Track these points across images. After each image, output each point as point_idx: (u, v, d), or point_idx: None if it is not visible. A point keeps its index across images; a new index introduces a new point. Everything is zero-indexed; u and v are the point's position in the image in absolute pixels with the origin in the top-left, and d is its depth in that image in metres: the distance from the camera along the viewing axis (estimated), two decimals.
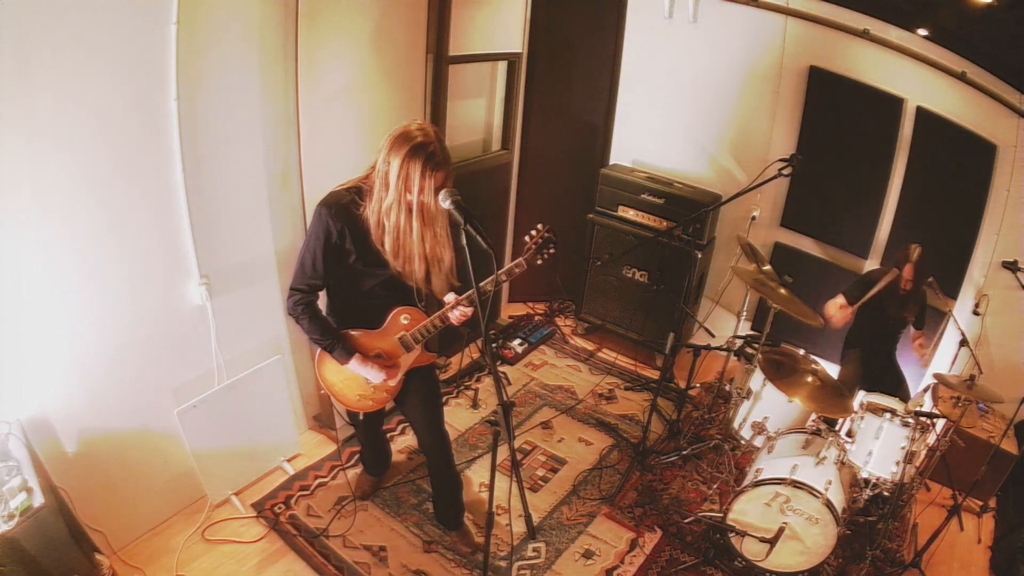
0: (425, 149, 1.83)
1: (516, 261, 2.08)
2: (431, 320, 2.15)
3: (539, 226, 2.09)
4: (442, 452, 2.50)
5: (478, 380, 3.80)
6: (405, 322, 2.17)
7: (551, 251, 2.10)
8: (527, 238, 2.09)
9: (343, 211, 1.94)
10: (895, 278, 2.99)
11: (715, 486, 3.07)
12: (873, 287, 3.14)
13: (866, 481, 2.65)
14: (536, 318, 4.53)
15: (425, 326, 2.16)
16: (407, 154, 1.82)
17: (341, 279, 2.08)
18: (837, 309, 3.18)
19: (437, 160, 1.84)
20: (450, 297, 2.19)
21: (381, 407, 2.35)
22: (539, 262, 2.11)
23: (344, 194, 1.97)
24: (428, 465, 2.63)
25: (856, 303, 3.22)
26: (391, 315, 2.15)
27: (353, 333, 2.16)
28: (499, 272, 2.06)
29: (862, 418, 2.64)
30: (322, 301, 2.18)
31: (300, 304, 2.05)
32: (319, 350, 2.18)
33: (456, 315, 2.13)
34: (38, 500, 1.91)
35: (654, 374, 4.00)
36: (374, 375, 2.16)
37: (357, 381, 2.23)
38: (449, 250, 2.06)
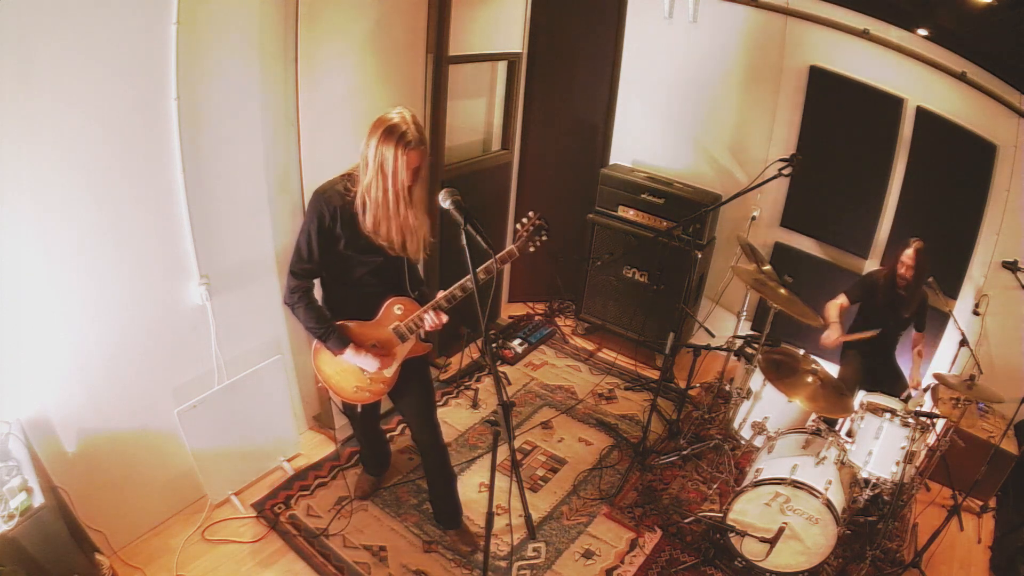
0: (398, 130, 1.91)
1: (508, 249, 2.12)
2: (421, 312, 2.18)
3: (530, 213, 2.14)
4: (435, 444, 2.50)
5: (478, 380, 3.80)
6: (399, 312, 2.20)
7: (543, 238, 2.14)
8: (519, 225, 2.14)
9: (336, 195, 2.04)
10: (893, 273, 3.04)
11: (715, 486, 3.07)
12: (875, 287, 3.16)
13: (866, 481, 2.65)
14: (536, 318, 4.53)
15: (420, 315, 2.19)
16: (381, 135, 1.92)
17: (332, 268, 2.13)
18: (838, 310, 3.19)
19: (408, 140, 1.92)
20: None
21: (378, 399, 2.36)
22: (531, 249, 2.15)
23: (337, 180, 2.08)
24: (423, 459, 2.63)
25: (857, 302, 3.23)
26: (384, 305, 2.19)
27: (348, 324, 2.19)
28: (494, 257, 2.07)
29: (862, 418, 2.64)
30: (318, 293, 2.21)
31: (296, 292, 2.11)
32: (315, 343, 2.21)
33: (429, 321, 2.17)
34: (38, 500, 1.91)
35: (654, 374, 4.00)
36: (369, 364, 2.19)
37: (353, 372, 2.25)
38: (425, 223, 2.13)
